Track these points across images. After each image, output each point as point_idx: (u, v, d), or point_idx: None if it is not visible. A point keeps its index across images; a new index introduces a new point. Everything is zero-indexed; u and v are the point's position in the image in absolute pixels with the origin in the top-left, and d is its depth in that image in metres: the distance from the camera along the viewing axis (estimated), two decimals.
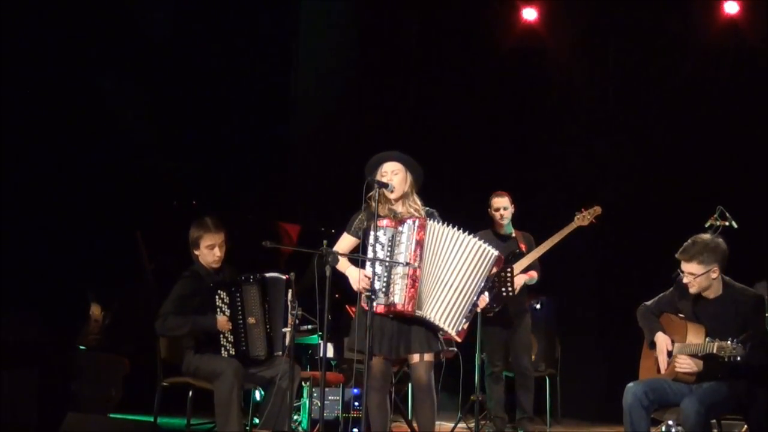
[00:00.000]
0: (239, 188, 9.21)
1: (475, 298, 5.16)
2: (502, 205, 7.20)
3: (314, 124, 9.81)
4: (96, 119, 8.39)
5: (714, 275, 5.21)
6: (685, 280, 5.25)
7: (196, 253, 6.00)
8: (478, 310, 5.28)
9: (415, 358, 5.19)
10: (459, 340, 5.31)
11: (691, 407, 5.04)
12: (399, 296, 5.08)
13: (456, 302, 5.10)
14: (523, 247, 7.18)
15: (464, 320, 5.15)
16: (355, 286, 5.17)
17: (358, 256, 5.25)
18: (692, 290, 5.25)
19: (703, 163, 8.72)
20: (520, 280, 7.05)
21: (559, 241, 7.09)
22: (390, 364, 5.36)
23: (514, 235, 7.25)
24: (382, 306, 5.10)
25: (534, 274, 7.14)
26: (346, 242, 5.34)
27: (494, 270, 5.23)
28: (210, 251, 5.96)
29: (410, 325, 5.16)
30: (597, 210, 7.16)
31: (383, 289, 5.10)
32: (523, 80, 9.54)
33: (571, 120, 9.39)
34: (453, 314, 5.10)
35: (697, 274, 5.19)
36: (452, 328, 5.12)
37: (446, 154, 9.25)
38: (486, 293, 5.27)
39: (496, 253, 5.19)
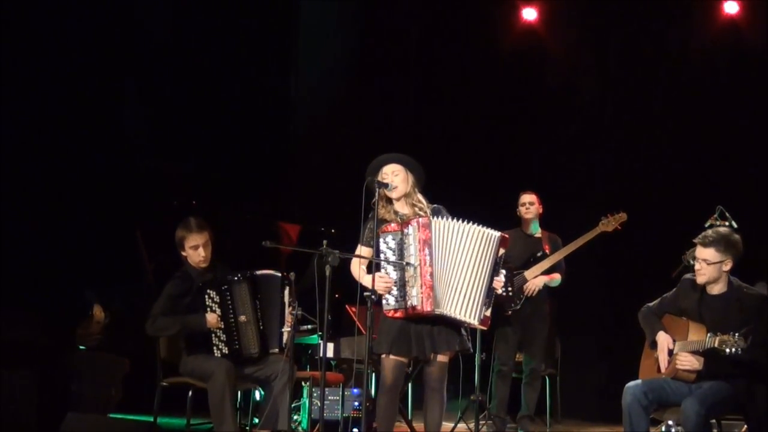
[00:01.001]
0: (239, 188, 9.20)
1: (488, 284, 5.16)
2: (528, 201, 7.25)
3: (314, 125, 9.81)
4: (96, 119, 8.38)
5: (726, 268, 5.21)
6: (696, 266, 5.25)
7: (183, 254, 6.01)
8: (498, 291, 5.28)
9: (434, 356, 5.21)
10: (485, 328, 5.33)
11: (692, 409, 5.04)
12: (416, 298, 5.09)
13: (471, 292, 5.11)
14: (547, 248, 7.19)
15: (484, 307, 5.15)
16: (378, 289, 5.15)
17: (358, 256, 5.26)
18: (700, 280, 5.25)
19: (703, 163, 8.72)
20: (539, 281, 7.08)
21: (583, 245, 7.08)
22: (405, 366, 5.35)
23: (539, 235, 7.27)
24: (402, 310, 5.12)
25: (556, 276, 7.16)
26: (363, 254, 5.31)
27: (501, 251, 5.22)
28: (194, 252, 5.96)
29: (433, 325, 5.18)
30: (623, 216, 7.13)
31: (400, 293, 5.11)
32: (522, 80, 9.54)
33: (570, 120, 9.38)
34: (471, 305, 5.11)
35: (710, 261, 5.18)
36: (474, 318, 5.13)
37: (446, 154, 9.24)
38: (501, 274, 5.27)
39: (497, 234, 5.20)
